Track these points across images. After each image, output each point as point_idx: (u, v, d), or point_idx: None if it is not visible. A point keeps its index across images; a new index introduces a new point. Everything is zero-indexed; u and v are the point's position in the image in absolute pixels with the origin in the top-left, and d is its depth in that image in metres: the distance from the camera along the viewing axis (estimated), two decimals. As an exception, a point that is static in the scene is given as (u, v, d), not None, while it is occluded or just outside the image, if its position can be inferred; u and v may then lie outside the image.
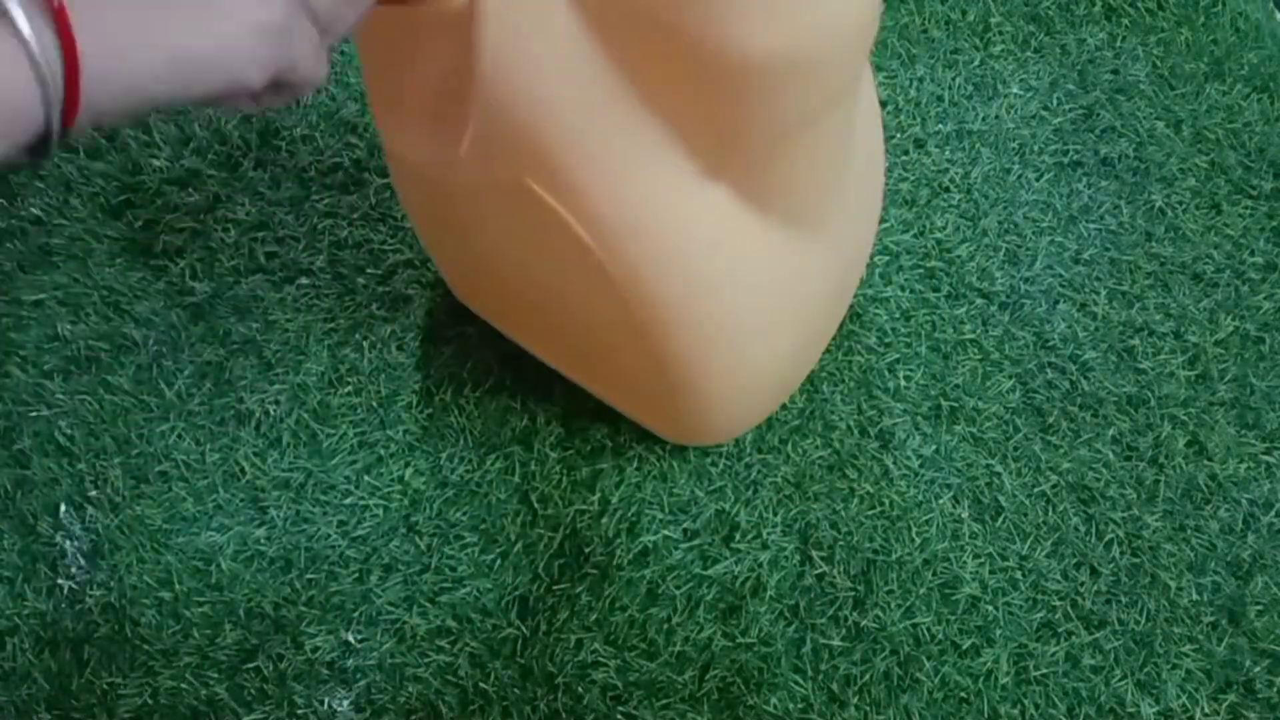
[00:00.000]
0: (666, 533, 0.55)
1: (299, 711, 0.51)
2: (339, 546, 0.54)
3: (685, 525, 0.56)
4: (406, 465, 0.56)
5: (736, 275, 0.43)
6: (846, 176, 0.46)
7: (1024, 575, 0.56)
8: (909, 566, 0.56)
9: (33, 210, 0.60)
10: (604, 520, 0.55)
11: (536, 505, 0.55)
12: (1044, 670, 0.54)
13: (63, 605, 0.52)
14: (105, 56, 0.32)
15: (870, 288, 0.63)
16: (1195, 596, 0.57)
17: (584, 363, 0.53)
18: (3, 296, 0.58)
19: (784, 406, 0.59)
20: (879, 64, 0.70)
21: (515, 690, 0.52)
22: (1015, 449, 0.60)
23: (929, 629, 0.55)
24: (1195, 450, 0.60)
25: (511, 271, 0.48)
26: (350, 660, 0.52)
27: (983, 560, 0.57)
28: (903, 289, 0.63)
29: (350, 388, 0.57)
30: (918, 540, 0.57)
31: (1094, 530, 0.58)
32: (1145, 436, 0.60)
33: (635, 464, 0.57)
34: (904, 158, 0.67)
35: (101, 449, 0.55)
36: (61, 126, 0.31)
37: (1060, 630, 0.55)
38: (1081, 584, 0.57)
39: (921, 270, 0.64)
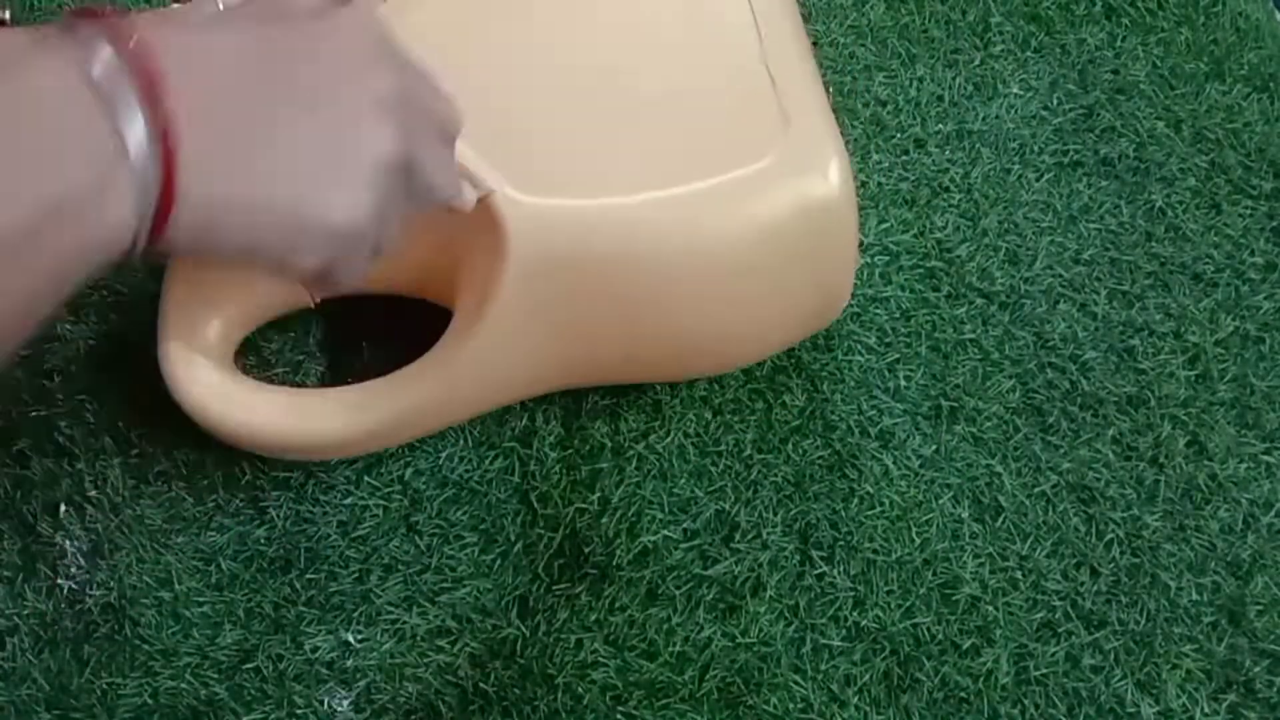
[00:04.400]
0: (666, 533, 0.55)
1: (299, 711, 0.51)
2: (339, 546, 0.54)
3: (685, 525, 0.56)
4: (406, 465, 0.56)
5: None
6: None
7: (1024, 575, 0.56)
8: (909, 566, 0.56)
9: (33, 210, 0.60)
10: (604, 520, 0.55)
11: (536, 505, 0.55)
12: (1044, 670, 0.54)
13: (63, 605, 0.52)
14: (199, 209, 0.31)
15: (870, 287, 0.63)
16: (1195, 596, 0.57)
17: None
18: (3, 296, 0.58)
19: (784, 406, 0.59)
20: (879, 64, 0.70)
21: (515, 690, 0.52)
22: (1015, 449, 0.60)
23: (929, 629, 0.55)
24: (1195, 450, 0.60)
25: None
26: (350, 660, 0.52)
27: (983, 560, 0.57)
28: (903, 289, 0.63)
29: (350, 388, 0.57)
30: (918, 540, 0.57)
31: (1094, 530, 0.58)
32: (1145, 436, 0.60)
33: (635, 464, 0.57)
34: (904, 158, 0.67)
35: (101, 449, 0.55)
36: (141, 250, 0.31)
37: (1060, 630, 0.55)
38: (1081, 584, 0.57)
39: (921, 270, 0.64)
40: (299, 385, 0.57)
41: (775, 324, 0.52)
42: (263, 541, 0.54)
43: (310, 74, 0.33)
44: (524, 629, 0.53)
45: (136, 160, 0.28)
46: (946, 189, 0.66)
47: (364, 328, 0.58)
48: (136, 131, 0.28)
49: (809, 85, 0.47)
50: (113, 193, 0.28)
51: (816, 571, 0.55)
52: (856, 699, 0.53)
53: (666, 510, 0.56)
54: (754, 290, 0.49)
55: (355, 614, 0.53)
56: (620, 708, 0.52)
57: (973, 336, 0.62)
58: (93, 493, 0.54)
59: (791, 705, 0.53)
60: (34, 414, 0.56)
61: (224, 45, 0.32)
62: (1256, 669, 0.55)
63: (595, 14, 0.46)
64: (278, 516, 0.54)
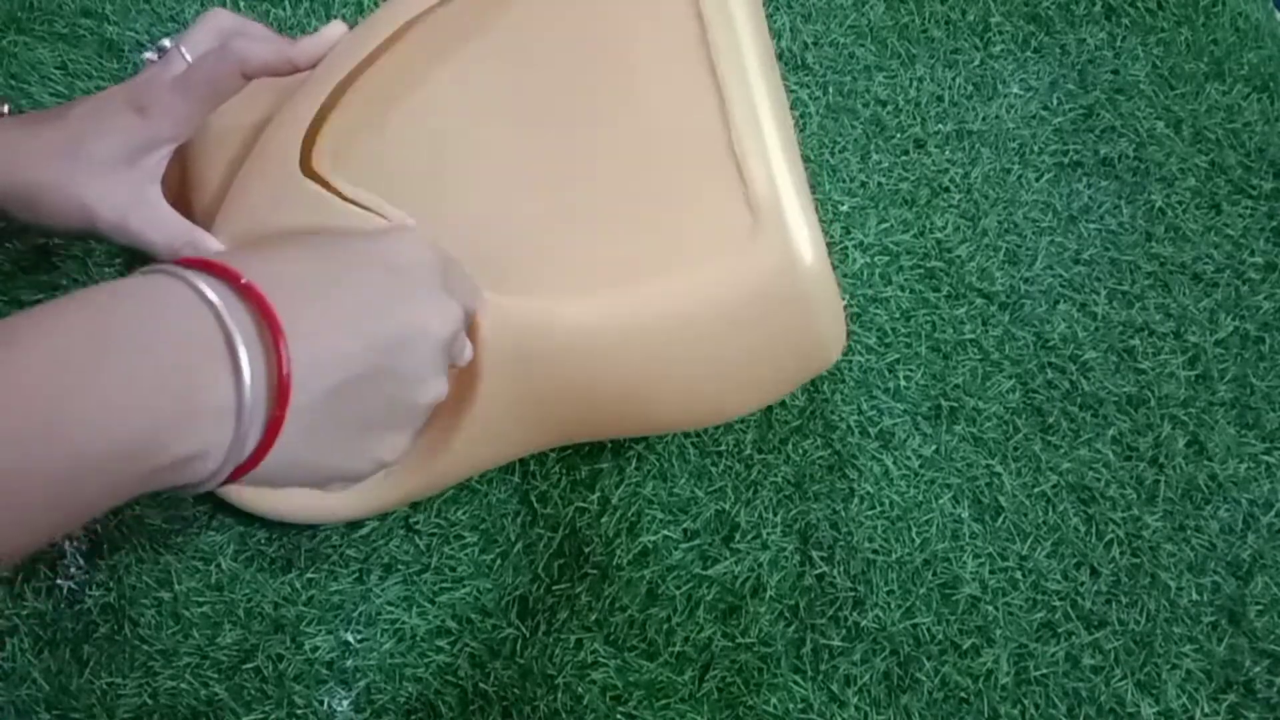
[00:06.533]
0: (666, 533, 0.55)
1: (298, 711, 0.51)
2: (339, 546, 0.54)
3: (685, 525, 0.56)
4: (406, 465, 0.56)
5: None
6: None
7: (1024, 575, 0.56)
8: (909, 566, 0.56)
9: (32, 210, 0.60)
10: (604, 520, 0.55)
11: (536, 505, 0.55)
12: (1044, 670, 0.54)
13: (62, 605, 0.52)
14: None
15: (870, 287, 0.63)
16: (1195, 596, 0.57)
17: None
18: (2, 297, 0.58)
19: (784, 406, 0.59)
20: (879, 64, 0.70)
21: (515, 690, 0.52)
22: (1015, 449, 0.60)
23: (929, 629, 0.55)
24: (1195, 450, 0.60)
25: None
26: (350, 660, 0.52)
27: (983, 560, 0.57)
28: (903, 289, 0.63)
29: (350, 388, 0.57)
30: (918, 540, 0.57)
31: (1094, 530, 0.58)
32: (1145, 436, 0.60)
33: (635, 464, 0.57)
34: (904, 158, 0.67)
35: (101, 449, 0.55)
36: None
37: (1060, 630, 0.55)
38: (1081, 584, 0.57)
39: (921, 270, 0.64)
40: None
41: (760, 394, 0.52)
42: (263, 541, 0.54)
43: (386, 316, 0.34)
44: (524, 629, 0.53)
45: (249, 398, 0.28)
46: (946, 189, 0.66)
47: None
48: (256, 371, 0.28)
49: (780, 160, 0.45)
50: (212, 427, 0.28)
51: (816, 571, 0.55)
52: (856, 699, 0.53)
53: (666, 510, 0.56)
54: (733, 376, 0.49)
55: (355, 614, 0.53)
56: (620, 708, 0.52)
57: (973, 336, 0.62)
58: (92, 493, 0.54)
59: (791, 705, 0.53)
60: (34, 414, 0.56)
61: (303, 274, 0.33)
62: (1256, 669, 0.55)
63: (560, 110, 0.47)
64: (278, 516, 0.54)
